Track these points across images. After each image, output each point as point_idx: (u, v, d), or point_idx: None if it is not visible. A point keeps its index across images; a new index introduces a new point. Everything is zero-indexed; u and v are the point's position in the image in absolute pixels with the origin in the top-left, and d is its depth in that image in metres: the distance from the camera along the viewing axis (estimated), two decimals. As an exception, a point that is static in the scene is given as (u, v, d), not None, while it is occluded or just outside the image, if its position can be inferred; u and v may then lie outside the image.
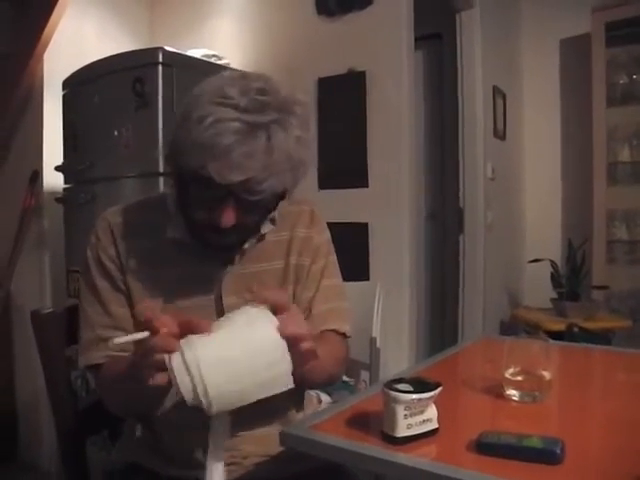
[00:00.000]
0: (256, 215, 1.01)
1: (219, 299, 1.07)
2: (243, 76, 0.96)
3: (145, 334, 0.81)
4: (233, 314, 0.85)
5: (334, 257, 1.21)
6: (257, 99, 0.90)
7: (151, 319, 0.81)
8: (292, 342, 0.82)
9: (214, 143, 0.87)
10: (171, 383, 0.79)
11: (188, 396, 0.77)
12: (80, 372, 2.15)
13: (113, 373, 1.00)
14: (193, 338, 0.79)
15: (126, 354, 0.96)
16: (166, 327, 0.80)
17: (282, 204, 1.14)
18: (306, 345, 0.84)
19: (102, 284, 1.07)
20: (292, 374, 0.82)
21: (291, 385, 0.82)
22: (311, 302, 1.13)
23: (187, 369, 0.76)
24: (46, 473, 2.69)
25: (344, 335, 1.15)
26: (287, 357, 0.81)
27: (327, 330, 1.12)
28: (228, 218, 0.94)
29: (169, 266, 1.07)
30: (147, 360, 0.80)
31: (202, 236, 1.03)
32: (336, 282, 1.19)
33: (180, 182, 1.01)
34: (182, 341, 0.79)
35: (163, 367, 0.79)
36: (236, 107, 0.89)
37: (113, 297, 1.07)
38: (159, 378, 0.81)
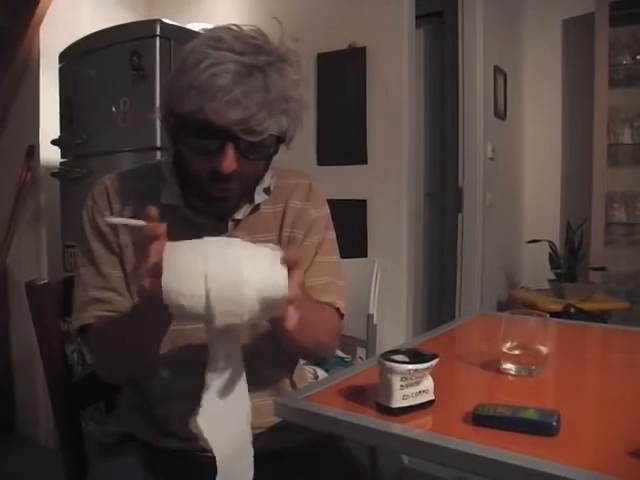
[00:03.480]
0: (255, 165, 0.99)
1: None
2: (236, 25, 0.97)
3: (141, 222, 0.77)
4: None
5: (332, 234, 1.18)
6: (251, 43, 0.92)
7: (148, 211, 0.77)
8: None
9: (211, 84, 0.88)
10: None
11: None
12: (76, 346, 2.15)
13: (105, 327, 0.99)
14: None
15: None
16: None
17: (279, 175, 1.14)
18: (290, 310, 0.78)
19: (96, 246, 1.06)
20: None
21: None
22: (304, 275, 1.10)
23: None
24: (43, 447, 2.71)
25: (338, 311, 1.12)
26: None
27: (321, 302, 1.09)
28: (228, 163, 0.92)
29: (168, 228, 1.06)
30: (139, 258, 0.76)
31: (200, 192, 1.01)
32: (333, 259, 1.16)
33: (178, 137, 0.99)
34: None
35: (156, 267, 0.73)
36: (231, 50, 0.90)
37: (107, 259, 1.06)
38: (149, 282, 0.75)
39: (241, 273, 0.72)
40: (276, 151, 1.03)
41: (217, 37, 0.93)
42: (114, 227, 1.06)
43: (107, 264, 1.05)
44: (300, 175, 1.18)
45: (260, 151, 0.96)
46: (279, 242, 1.11)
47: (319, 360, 1.82)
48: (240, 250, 0.75)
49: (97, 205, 1.08)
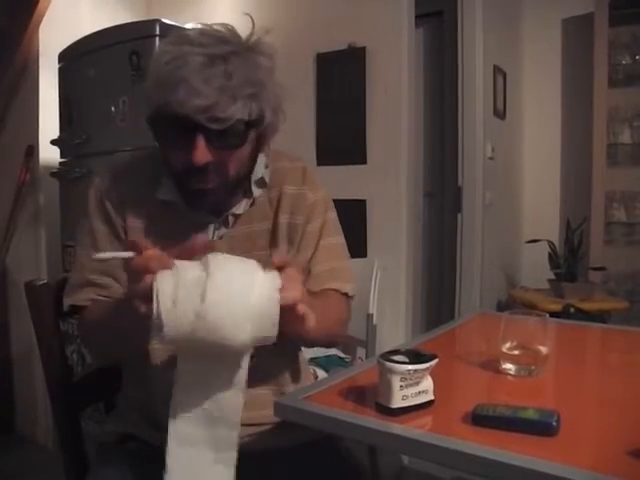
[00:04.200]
0: (234, 155, 0.97)
1: None
2: (206, 24, 0.99)
3: (129, 254, 0.78)
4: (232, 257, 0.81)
5: (333, 214, 1.16)
6: (215, 35, 0.94)
7: (135, 241, 0.79)
8: (287, 305, 0.78)
9: (172, 77, 0.89)
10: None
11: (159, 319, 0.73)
12: (75, 346, 2.15)
13: (97, 313, 0.99)
14: (182, 264, 0.76)
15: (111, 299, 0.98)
16: (150, 249, 0.77)
17: (272, 158, 1.12)
18: (300, 309, 0.80)
19: (100, 228, 1.06)
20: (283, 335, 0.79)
21: (272, 340, 0.78)
22: (310, 263, 1.09)
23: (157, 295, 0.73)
24: (43, 446, 2.71)
25: (346, 295, 1.12)
26: (273, 313, 0.76)
27: (328, 289, 1.09)
28: (200, 154, 0.92)
29: (163, 226, 1.06)
30: (133, 285, 0.77)
31: (186, 189, 1.00)
32: (336, 240, 1.14)
33: (158, 138, 0.99)
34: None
35: (148, 294, 0.75)
36: (192, 44, 0.91)
37: (109, 242, 1.05)
38: (143, 308, 0.76)
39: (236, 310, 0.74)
40: (261, 141, 1.02)
41: (180, 34, 0.95)
42: (121, 210, 1.06)
43: (108, 248, 1.05)
44: (294, 158, 1.16)
45: (230, 139, 0.95)
46: (275, 230, 1.09)
47: (329, 346, 1.82)
48: (240, 284, 0.75)
49: (105, 186, 1.08)
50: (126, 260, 0.80)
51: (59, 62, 2.53)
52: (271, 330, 0.77)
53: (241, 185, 1.05)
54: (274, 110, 0.98)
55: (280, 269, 0.80)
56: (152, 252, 0.77)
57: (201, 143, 0.92)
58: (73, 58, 2.46)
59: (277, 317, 0.77)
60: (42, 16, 2.56)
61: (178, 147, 0.95)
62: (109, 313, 0.96)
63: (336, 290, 1.10)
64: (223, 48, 0.91)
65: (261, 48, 0.97)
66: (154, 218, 1.06)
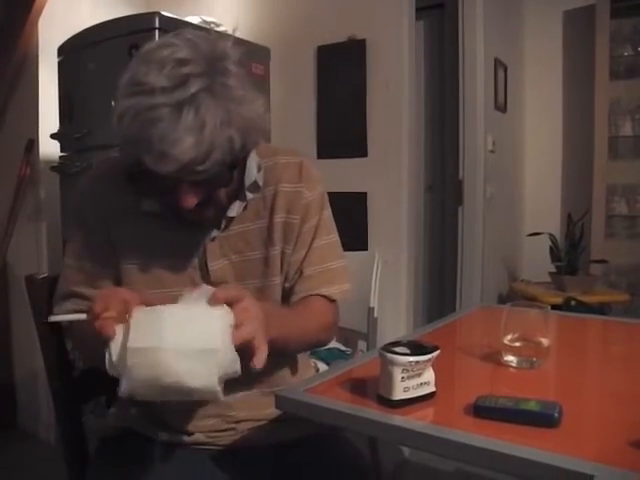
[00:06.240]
0: (220, 186, 0.94)
1: (204, 265, 1.04)
2: (159, 47, 0.87)
3: (82, 316, 0.81)
4: (189, 307, 0.80)
5: (328, 212, 1.14)
6: (176, 73, 0.83)
7: (94, 300, 0.80)
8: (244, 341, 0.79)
9: (140, 137, 0.83)
10: None
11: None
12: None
13: (80, 329, 0.98)
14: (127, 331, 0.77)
15: None
16: (108, 310, 0.78)
17: (268, 154, 1.09)
18: (255, 344, 0.80)
19: (83, 239, 1.06)
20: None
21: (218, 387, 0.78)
22: (302, 263, 1.08)
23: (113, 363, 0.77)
24: (45, 442, 2.71)
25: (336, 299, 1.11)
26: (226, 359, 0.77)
27: (317, 295, 1.08)
28: (187, 200, 0.89)
29: (151, 233, 1.04)
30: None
31: (182, 218, 0.98)
32: (330, 239, 1.13)
33: (141, 187, 0.95)
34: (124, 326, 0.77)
35: None
36: (152, 91, 0.82)
37: (92, 254, 1.05)
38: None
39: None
40: (246, 157, 0.99)
41: (136, 80, 0.84)
42: (105, 220, 1.04)
43: (92, 259, 1.05)
44: (290, 153, 1.13)
45: (216, 181, 0.91)
46: (270, 228, 1.07)
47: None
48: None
49: (89, 195, 1.07)
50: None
51: (58, 56, 2.51)
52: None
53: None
54: (256, 129, 0.92)
55: (233, 302, 0.80)
56: (108, 314, 0.78)
57: (186, 188, 0.89)
58: (73, 52, 2.44)
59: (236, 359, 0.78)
60: (41, 10, 2.55)
61: (164, 192, 0.92)
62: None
63: (324, 296, 1.09)
64: (188, 90, 0.82)
65: (226, 66, 0.88)
66: (140, 228, 1.04)
